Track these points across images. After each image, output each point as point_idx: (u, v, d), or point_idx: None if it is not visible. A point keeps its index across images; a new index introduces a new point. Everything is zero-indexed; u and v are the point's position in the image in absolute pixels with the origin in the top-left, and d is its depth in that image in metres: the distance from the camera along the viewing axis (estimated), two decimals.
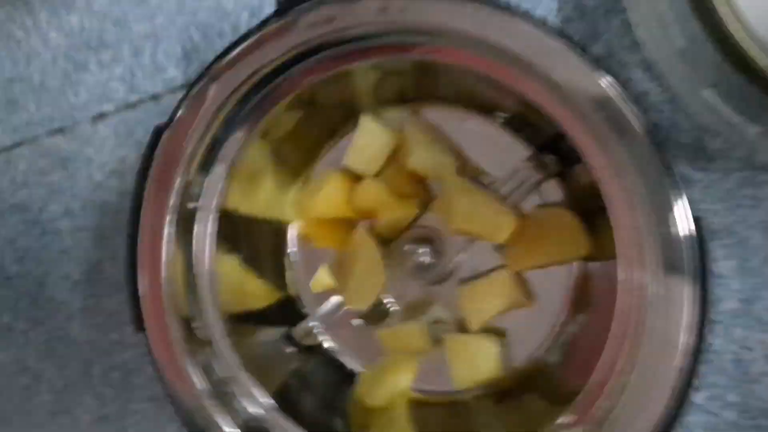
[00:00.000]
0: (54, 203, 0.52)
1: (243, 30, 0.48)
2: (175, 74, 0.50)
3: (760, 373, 0.45)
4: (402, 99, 0.42)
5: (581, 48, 0.33)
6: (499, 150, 0.41)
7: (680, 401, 0.31)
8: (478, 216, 0.37)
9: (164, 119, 0.49)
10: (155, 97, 0.50)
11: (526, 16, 0.33)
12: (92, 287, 0.52)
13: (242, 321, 0.40)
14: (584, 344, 0.38)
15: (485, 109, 0.41)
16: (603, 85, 0.33)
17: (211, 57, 0.49)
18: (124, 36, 0.50)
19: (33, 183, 0.52)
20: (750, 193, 0.44)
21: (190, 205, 0.36)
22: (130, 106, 0.51)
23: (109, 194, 0.51)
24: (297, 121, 0.39)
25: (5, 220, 0.53)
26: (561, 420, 0.33)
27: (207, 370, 0.36)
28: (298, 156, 0.42)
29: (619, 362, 0.32)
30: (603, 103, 0.32)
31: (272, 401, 0.37)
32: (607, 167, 0.33)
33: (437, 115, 0.41)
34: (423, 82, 0.41)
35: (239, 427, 0.36)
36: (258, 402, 0.37)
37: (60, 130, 0.52)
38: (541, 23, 0.32)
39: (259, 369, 0.39)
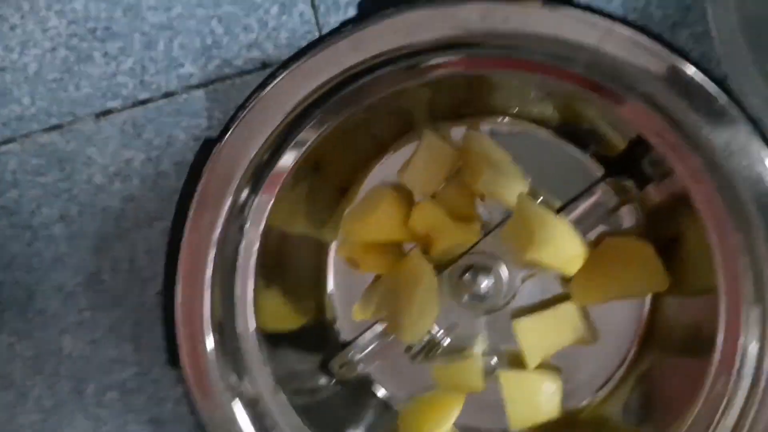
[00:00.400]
0: (48, 206, 0.49)
1: (271, 25, 0.46)
2: (192, 71, 0.47)
3: None
4: (457, 114, 0.38)
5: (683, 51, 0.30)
6: (562, 168, 0.38)
7: None
8: (554, 247, 0.34)
9: (178, 119, 0.48)
10: (168, 95, 0.47)
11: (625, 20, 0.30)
12: (88, 299, 0.49)
13: (279, 346, 0.37)
14: (660, 387, 0.35)
15: (542, 121, 0.39)
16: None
17: (234, 53, 0.46)
18: (136, 26, 0.47)
19: (24, 183, 0.49)
20: None
21: (236, 238, 0.32)
22: (140, 103, 0.48)
23: (111, 199, 0.48)
24: (347, 135, 0.35)
25: None
26: None
27: (249, 411, 0.33)
28: (345, 171, 0.39)
29: (717, 417, 0.30)
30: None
31: None
32: (705, 178, 0.29)
33: (494, 129, 0.38)
34: (477, 95, 0.38)
35: None
36: None
37: (57, 127, 0.48)
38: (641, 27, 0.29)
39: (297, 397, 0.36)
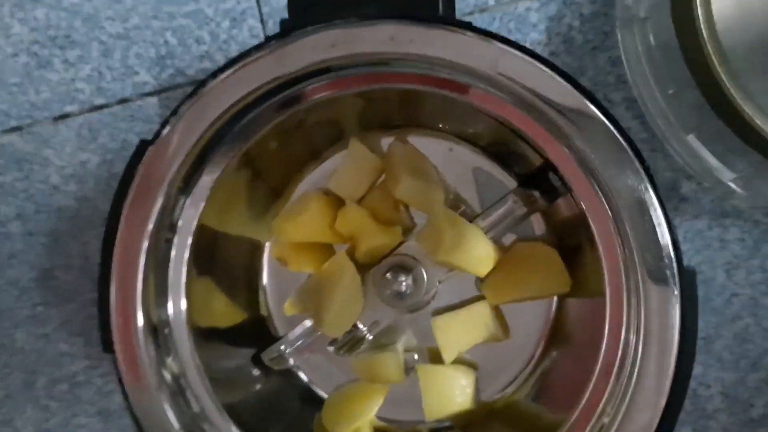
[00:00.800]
0: (5, 205, 0.50)
1: (222, 38, 0.48)
2: (147, 79, 0.49)
3: (715, 410, 0.46)
4: (387, 125, 0.41)
5: (572, 79, 0.33)
6: (483, 181, 0.41)
7: None
8: (463, 250, 0.36)
9: (132, 125, 0.49)
10: (123, 101, 0.49)
11: (521, 47, 0.32)
12: (42, 295, 0.50)
13: (211, 339, 0.39)
14: (560, 380, 0.38)
15: (469, 138, 0.41)
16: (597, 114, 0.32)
17: (187, 63, 0.48)
18: (94, 35, 0.49)
19: None
20: (717, 235, 0.45)
21: (167, 235, 0.34)
22: (96, 108, 0.49)
23: (66, 199, 0.50)
24: (281, 141, 0.38)
25: None
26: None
27: (176, 401, 0.35)
28: (279, 176, 0.41)
29: (603, 399, 0.32)
30: (595, 131, 0.32)
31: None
32: (596, 197, 0.32)
33: (423, 142, 0.41)
34: (408, 109, 0.40)
35: None
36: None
37: (17, 129, 0.50)
38: (534, 53, 0.32)
39: (226, 390, 0.38)
